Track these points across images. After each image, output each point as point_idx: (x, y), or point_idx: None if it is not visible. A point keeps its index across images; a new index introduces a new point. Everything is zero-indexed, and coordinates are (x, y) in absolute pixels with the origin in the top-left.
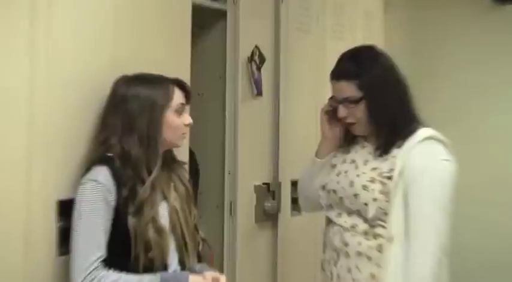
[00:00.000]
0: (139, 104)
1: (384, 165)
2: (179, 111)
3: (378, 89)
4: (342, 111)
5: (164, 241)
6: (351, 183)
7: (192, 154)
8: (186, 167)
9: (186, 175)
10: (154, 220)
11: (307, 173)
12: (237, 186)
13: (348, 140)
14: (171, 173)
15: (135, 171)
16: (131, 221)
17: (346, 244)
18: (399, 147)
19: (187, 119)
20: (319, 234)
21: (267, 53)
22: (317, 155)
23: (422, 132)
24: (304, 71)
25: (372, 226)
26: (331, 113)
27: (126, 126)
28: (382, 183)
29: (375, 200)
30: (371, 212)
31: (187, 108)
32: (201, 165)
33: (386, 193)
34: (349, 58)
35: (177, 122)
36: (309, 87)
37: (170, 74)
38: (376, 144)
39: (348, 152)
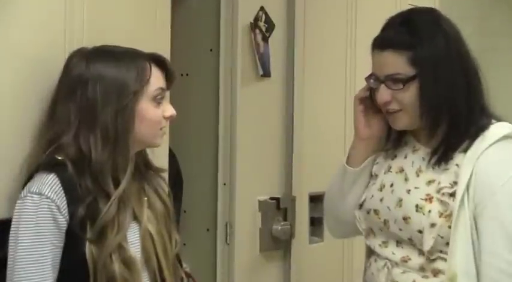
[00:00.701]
0: (103, 89)
1: (443, 177)
2: (157, 99)
3: (438, 67)
4: (384, 94)
5: (134, 276)
6: (399, 202)
7: (172, 157)
8: (165, 175)
9: (164, 187)
10: (121, 248)
11: (336, 185)
12: (234, 202)
13: (393, 139)
14: (144, 183)
15: (97, 182)
16: (90, 249)
17: None
18: (465, 151)
19: (168, 109)
20: (347, 268)
21: (277, 17)
22: (349, 161)
23: (495, 130)
24: (328, 43)
25: (431, 260)
26: (369, 102)
27: (84, 119)
28: (441, 202)
29: (432, 225)
30: (428, 242)
31: (168, 94)
32: (186, 172)
33: (448, 216)
34: (401, 23)
35: (155, 114)
36: (336, 65)
37: (143, 48)
38: (432, 147)
39: (393, 156)
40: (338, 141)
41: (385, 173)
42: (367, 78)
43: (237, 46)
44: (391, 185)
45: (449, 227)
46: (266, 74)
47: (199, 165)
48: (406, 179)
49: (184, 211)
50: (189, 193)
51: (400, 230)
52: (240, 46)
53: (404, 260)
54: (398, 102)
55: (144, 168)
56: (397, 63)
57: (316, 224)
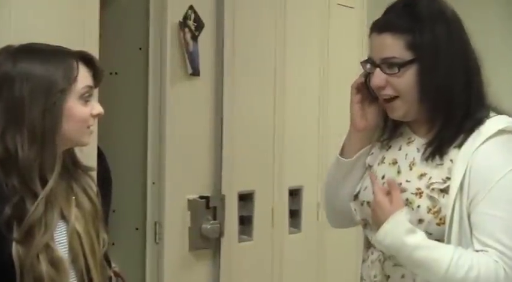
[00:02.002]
0: (30, 88)
1: (436, 172)
2: (85, 97)
3: (438, 53)
4: (378, 77)
5: (62, 276)
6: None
7: (101, 156)
8: (94, 174)
9: (93, 186)
10: (48, 248)
11: (331, 177)
12: (164, 201)
13: (389, 130)
14: (71, 182)
15: (24, 181)
16: (17, 249)
17: (387, 277)
18: (459, 146)
19: (96, 107)
20: (276, 266)
21: (206, 16)
22: (343, 152)
23: (491, 124)
24: (257, 42)
25: None
26: (365, 91)
27: (10, 118)
28: (431, 198)
29: (420, 221)
30: None
31: (96, 93)
32: (115, 171)
33: (436, 212)
34: (403, 7)
35: (82, 112)
36: (266, 64)
37: (72, 46)
38: (428, 139)
39: (388, 147)
40: (267, 140)
41: (378, 164)
42: (363, 63)
43: (166, 45)
44: (383, 177)
45: (438, 224)
46: (195, 72)
47: (128, 164)
48: (398, 172)
49: (113, 210)
50: (118, 192)
51: None
52: (169, 45)
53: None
54: (393, 88)
55: (72, 167)
56: (394, 46)
57: (245, 222)
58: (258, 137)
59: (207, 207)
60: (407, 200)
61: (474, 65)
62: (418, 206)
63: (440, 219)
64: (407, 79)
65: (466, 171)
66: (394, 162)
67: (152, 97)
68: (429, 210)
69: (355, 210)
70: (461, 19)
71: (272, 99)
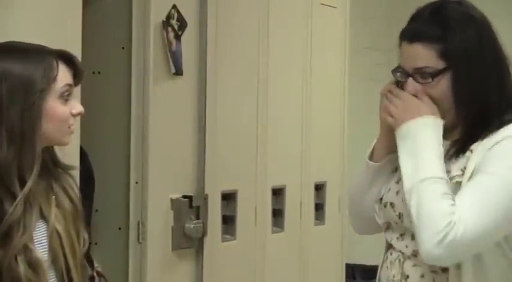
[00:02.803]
0: (9, 87)
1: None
2: (65, 97)
3: (471, 59)
4: (413, 87)
5: (40, 278)
6: None
7: (83, 155)
8: (75, 173)
9: (73, 185)
10: (27, 250)
11: (359, 180)
12: (147, 200)
13: None
14: (51, 181)
15: (2, 182)
16: None
17: (405, 277)
18: (482, 140)
19: (76, 107)
20: (259, 266)
21: (190, 15)
22: (372, 156)
23: None
24: (241, 42)
25: None
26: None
27: None
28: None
29: None
30: None
31: (77, 91)
32: (97, 171)
33: None
34: (430, 14)
35: (62, 111)
36: (249, 64)
37: (55, 46)
38: (453, 139)
39: None
40: (250, 140)
41: None
42: (394, 71)
43: (149, 44)
44: None
45: None
46: (178, 72)
47: (111, 163)
48: None
49: (96, 210)
50: (101, 192)
51: (412, 223)
52: (152, 44)
53: (415, 254)
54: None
55: (52, 166)
56: (427, 56)
57: (228, 222)
58: (241, 137)
59: (190, 206)
60: None
61: (505, 66)
62: None
63: None
64: (441, 88)
65: (477, 165)
66: None
67: (135, 96)
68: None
69: (378, 212)
70: (489, 20)
71: (255, 99)
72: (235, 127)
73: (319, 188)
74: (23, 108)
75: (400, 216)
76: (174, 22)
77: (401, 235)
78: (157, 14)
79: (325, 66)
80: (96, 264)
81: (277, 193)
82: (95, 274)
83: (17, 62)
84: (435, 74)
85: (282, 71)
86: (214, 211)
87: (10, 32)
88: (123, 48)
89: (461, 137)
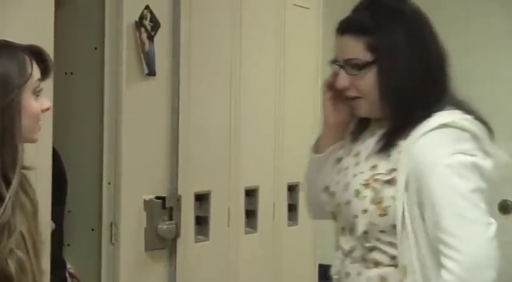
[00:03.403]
0: None
1: (383, 163)
2: (36, 92)
3: (395, 54)
4: (342, 79)
5: (28, 278)
6: (346, 186)
7: (56, 156)
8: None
9: (31, 185)
10: (12, 252)
11: (308, 172)
12: (119, 201)
13: (358, 125)
14: None
15: None
16: None
17: (347, 274)
18: (406, 138)
19: (45, 102)
20: (232, 267)
21: (162, 16)
22: (316, 148)
23: (437, 118)
24: (214, 43)
25: (369, 250)
26: (336, 88)
27: None
28: (374, 189)
29: (364, 211)
30: (360, 228)
31: (50, 90)
32: (70, 171)
33: (378, 203)
34: (365, 7)
35: (36, 107)
36: (222, 64)
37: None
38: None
39: (356, 140)
40: (223, 140)
41: (346, 157)
42: (331, 63)
43: (122, 45)
44: (346, 168)
45: (381, 215)
46: (151, 72)
47: (84, 164)
48: (356, 163)
49: (69, 211)
50: (73, 193)
51: (347, 214)
52: (125, 45)
53: (351, 250)
54: (356, 89)
55: None
56: (355, 48)
57: (201, 223)
58: (214, 137)
59: (163, 207)
60: (356, 190)
61: (436, 63)
62: (364, 197)
63: (383, 210)
64: (368, 80)
65: (409, 163)
66: (357, 154)
67: (108, 97)
68: (372, 201)
69: (326, 202)
70: (425, 16)
71: (228, 100)
72: (208, 128)
73: (292, 188)
74: (2, 106)
75: (338, 205)
76: (147, 23)
77: (343, 229)
78: (130, 15)
79: (298, 67)
80: (68, 266)
81: (250, 194)
82: (67, 275)
83: None
84: (362, 66)
85: (255, 72)
86: (188, 212)
87: None
88: (95, 48)
89: (388, 131)
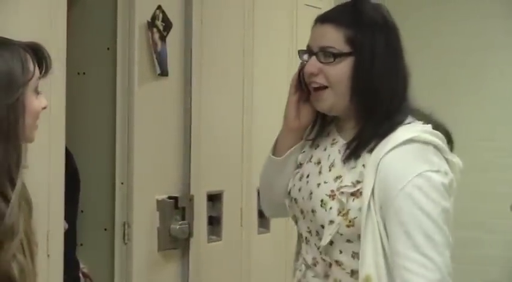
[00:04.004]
0: None
1: (348, 175)
2: (37, 90)
3: (374, 53)
4: (313, 64)
5: (31, 278)
6: (310, 195)
7: (69, 156)
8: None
9: (25, 185)
10: (15, 254)
11: (265, 172)
12: (132, 201)
13: (316, 129)
14: None
15: None
16: None
17: None
18: (370, 151)
19: (43, 100)
20: (245, 266)
21: (174, 16)
22: (275, 150)
23: (401, 133)
24: (226, 43)
25: (329, 264)
26: (301, 89)
27: None
28: (339, 201)
29: (331, 222)
30: (325, 238)
31: (61, 92)
32: (83, 171)
33: (345, 215)
34: (351, 7)
35: (36, 106)
36: (234, 64)
37: None
38: (349, 139)
39: (316, 146)
40: (235, 140)
41: (307, 163)
42: (301, 53)
43: (134, 45)
44: (308, 176)
45: (347, 226)
46: (163, 72)
47: (97, 164)
48: (319, 172)
49: (82, 211)
50: (86, 193)
51: (311, 221)
52: (137, 45)
53: (314, 264)
54: (325, 77)
55: None
56: (335, 37)
57: (214, 223)
58: (227, 137)
59: (176, 207)
60: (322, 201)
61: (404, 74)
62: (330, 208)
63: (350, 221)
64: (340, 70)
65: (375, 178)
66: (318, 162)
67: (120, 97)
68: (339, 212)
69: (289, 206)
70: (398, 30)
71: (240, 99)
72: (220, 128)
73: None
74: (8, 104)
75: (302, 212)
76: (159, 23)
77: (305, 238)
78: (142, 15)
79: None
80: (82, 265)
81: None
82: (80, 275)
83: None
84: (337, 55)
85: (267, 71)
86: (200, 212)
87: None
88: (108, 49)
89: (352, 141)
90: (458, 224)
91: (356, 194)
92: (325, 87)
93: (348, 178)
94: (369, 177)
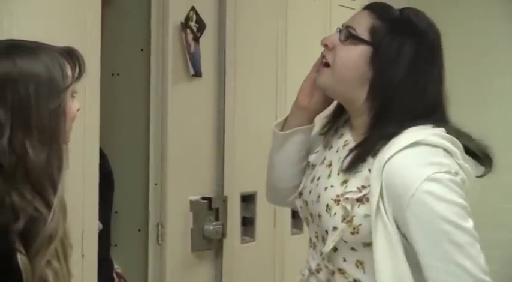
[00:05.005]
0: (36, 87)
1: (353, 180)
2: (73, 94)
3: (401, 54)
4: (330, 38)
5: None
6: (318, 198)
7: (103, 157)
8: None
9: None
10: (50, 260)
11: (271, 150)
12: (166, 202)
13: (331, 126)
14: None
15: (35, 189)
16: (23, 260)
17: None
18: (374, 155)
19: (76, 104)
20: (278, 268)
21: (208, 17)
22: (282, 126)
23: (407, 135)
24: (259, 43)
25: (331, 273)
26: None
27: (17, 121)
28: (343, 207)
29: (335, 229)
30: (329, 245)
31: (95, 92)
32: (116, 172)
33: (349, 221)
34: (401, 9)
35: (74, 109)
36: (268, 65)
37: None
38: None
39: (329, 147)
40: (269, 141)
41: (319, 164)
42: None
43: (168, 46)
44: (318, 178)
45: (352, 233)
46: (197, 73)
47: (131, 165)
48: (329, 175)
49: (116, 211)
50: (120, 193)
51: (318, 226)
52: (171, 46)
53: (317, 270)
54: (332, 56)
55: None
56: (361, 21)
57: (247, 224)
58: (260, 138)
59: (210, 208)
60: (327, 205)
61: (431, 89)
62: (335, 213)
63: (354, 228)
64: (348, 53)
65: (381, 183)
66: (329, 165)
67: (154, 98)
68: (343, 219)
69: (300, 208)
70: (439, 44)
71: (274, 100)
72: (254, 128)
73: None
74: (50, 108)
75: (311, 215)
76: (192, 24)
77: (312, 242)
78: (176, 16)
79: None
80: (116, 266)
81: None
82: (114, 275)
83: (37, 62)
84: (353, 37)
85: (300, 71)
86: (234, 213)
87: (29, 34)
88: (141, 50)
89: (358, 145)
90: (489, 226)
91: (361, 200)
92: (328, 65)
93: (353, 183)
94: (374, 184)
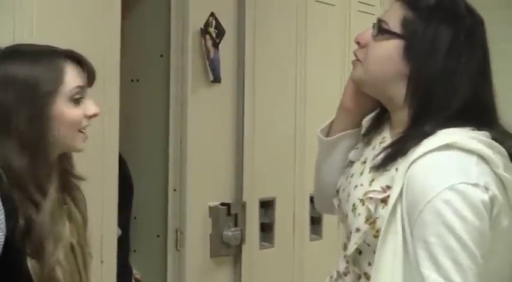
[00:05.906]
0: (15, 92)
1: (380, 178)
2: (76, 99)
3: (435, 45)
4: (363, 34)
5: None
6: (348, 197)
7: (122, 163)
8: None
9: (82, 197)
10: (60, 261)
11: (318, 156)
12: (185, 208)
13: (372, 123)
14: (64, 193)
15: (22, 193)
16: (32, 264)
17: None
18: (405, 154)
19: (90, 108)
20: (297, 273)
21: (227, 23)
22: (328, 131)
23: (441, 136)
24: (278, 49)
25: (358, 277)
26: None
27: None
28: (367, 208)
29: (357, 230)
30: (351, 248)
31: (114, 99)
32: (136, 178)
33: (372, 223)
34: None
35: (73, 115)
36: (287, 71)
37: (93, 54)
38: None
39: (368, 144)
40: (288, 147)
41: (357, 161)
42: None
43: (188, 52)
44: (352, 176)
45: (375, 236)
46: (216, 79)
47: (150, 171)
48: (361, 173)
49: (135, 217)
50: (139, 199)
51: (346, 226)
52: (191, 52)
53: (345, 273)
54: (363, 52)
55: (65, 175)
56: (394, 14)
57: (266, 229)
58: (279, 144)
59: (228, 214)
60: (353, 205)
61: (476, 80)
62: (359, 214)
63: (377, 231)
64: (380, 50)
65: (403, 185)
66: (364, 162)
67: (173, 104)
68: (366, 220)
69: (337, 206)
70: (481, 28)
71: (293, 106)
72: (273, 134)
73: None
74: (31, 113)
75: (343, 214)
76: (212, 30)
77: (345, 242)
78: (196, 22)
79: None
80: (134, 271)
81: None
82: (133, 281)
83: (21, 65)
84: (384, 31)
85: (320, 78)
86: (252, 218)
87: (48, 39)
88: (161, 56)
89: (392, 144)
90: None
91: (386, 201)
92: (358, 62)
93: (379, 182)
94: (397, 184)
